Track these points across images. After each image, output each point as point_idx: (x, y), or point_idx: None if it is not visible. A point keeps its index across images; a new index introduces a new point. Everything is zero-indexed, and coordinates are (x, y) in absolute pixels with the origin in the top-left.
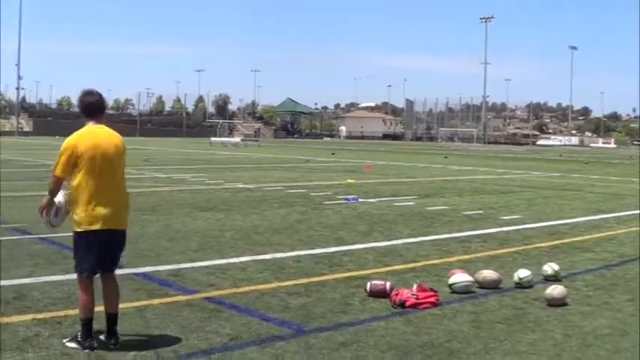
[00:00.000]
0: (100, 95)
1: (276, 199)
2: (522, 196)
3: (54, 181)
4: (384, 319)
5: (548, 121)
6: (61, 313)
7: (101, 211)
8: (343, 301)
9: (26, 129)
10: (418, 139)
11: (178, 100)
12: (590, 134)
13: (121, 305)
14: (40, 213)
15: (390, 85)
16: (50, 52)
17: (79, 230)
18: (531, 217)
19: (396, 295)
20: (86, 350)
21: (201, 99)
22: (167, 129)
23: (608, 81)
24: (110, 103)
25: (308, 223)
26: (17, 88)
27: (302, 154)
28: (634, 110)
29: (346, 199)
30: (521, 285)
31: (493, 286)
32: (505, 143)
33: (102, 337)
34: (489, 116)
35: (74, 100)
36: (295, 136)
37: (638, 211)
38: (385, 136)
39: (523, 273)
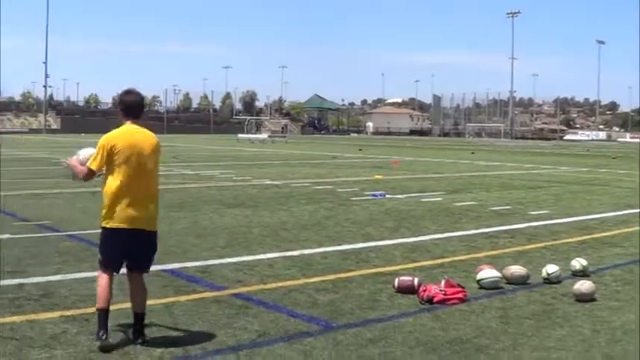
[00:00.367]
0: (138, 95)
1: (303, 195)
2: (550, 191)
3: (87, 172)
4: (412, 315)
5: (575, 116)
6: (89, 310)
7: (130, 211)
8: (371, 297)
9: (54, 126)
10: (445, 134)
11: (205, 96)
12: (617, 129)
13: (148, 302)
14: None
15: (417, 81)
16: (77, 50)
17: (105, 226)
18: (559, 212)
19: (424, 291)
20: (97, 342)
21: (228, 96)
22: (194, 126)
23: (636, 75)
24: None
25: (335, 219)
26: (45, 86)
27: (329, 150)
28: None
29: (373, 195)
30: (549, 280)
31: (521, 282)
32: (532, 138)
33: (130, 335)
34: (516, 111)
35: (101, 98)
36: (322, 132)
37: None
38: (412, 132)
39: (551, 268)
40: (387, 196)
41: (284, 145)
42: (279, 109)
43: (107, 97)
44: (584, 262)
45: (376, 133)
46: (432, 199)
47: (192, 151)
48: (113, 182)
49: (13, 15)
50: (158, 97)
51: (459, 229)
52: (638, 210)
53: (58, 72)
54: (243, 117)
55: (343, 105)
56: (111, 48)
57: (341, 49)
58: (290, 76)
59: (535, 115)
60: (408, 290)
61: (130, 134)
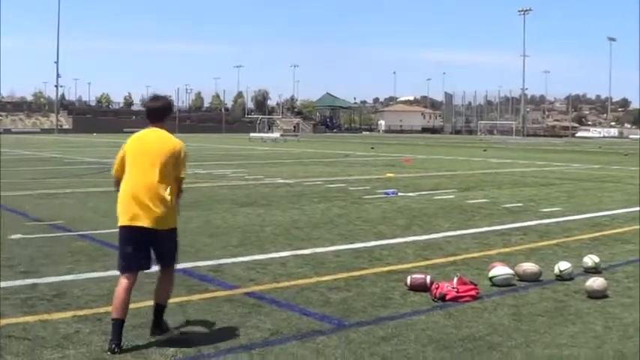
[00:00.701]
0: (159, 101)
1: (315, 193)
2: (562, 189)
3: (114, 181)
4: (424, 312)
5: (587, 112)
6: (102, 310)
7: (136, 210)
8: (383, 295)
9: (66, 126)
10: (457, 132)
11: (217, 96)
12: (629, 126)
13: None
14: None
15: (428, 79)
16: (89, 50)
17: (118, 225)
18: (571, 209)
19: (437, 288)
20: (107, 352)
21: (240, 95)
22: (206, 125)
23: None
24: None
25: (348, 217)
26: (56, 86)
27: (341, 148)
28: None
29: (386, 193)
30: (561, 277)
31: (533, 279)
32: (544, 135)
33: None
34: (528, 109)
35: (113, 98)
36: (334, 130)
37: None
38: (424, 130)
39: (563, 265)
40: (400, 194)
41: (296, 143)
42: (291, 107)
43: (119, 97)
44: (597, 259)
45: (388, 131)
46: (445, 197)
47: (204, 151)
48: (123, 183)
49: (25, 14)
50: (170, 96)
51: (471, 226)
52: None
53: (70, 72)
54: (255, 116)
55: (355, 103)
56: (122, 47)
57: (352, 48)
58: (302, 75)
59: (547, 113)
60: (421, 288)
61: (143, 137)
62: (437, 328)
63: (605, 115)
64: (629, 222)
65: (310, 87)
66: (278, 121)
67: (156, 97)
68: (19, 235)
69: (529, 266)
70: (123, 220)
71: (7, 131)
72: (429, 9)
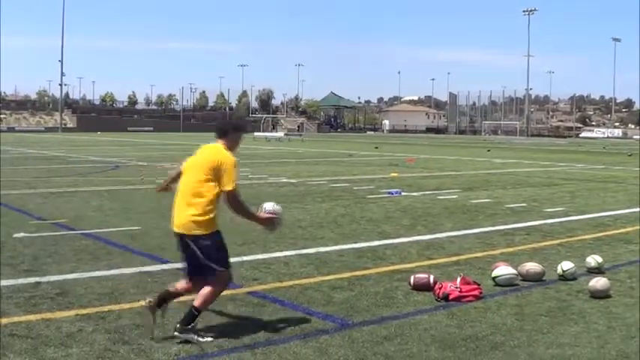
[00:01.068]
0: (228, 121)
1: (319, 193)
2: (565, 189)
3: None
4: (427, 312)
5: (591, 113)
6: (105, 309)
7: (175, 217)
8: (387, 294)
9: (70, 125)
10: (461, 132)
11: (222, 95)
12: (633, 126)
13: None
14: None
15: (433, 79)
16: (93, 49)
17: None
18: (575, 209)
19: (440, 288)
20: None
21: (244, 94)
22: (210, 124)
23: None
24: (153, 98)
25: (351, 217)
26: (61, 84)
27: (345, 148)
28: None
29: (390, 192)
30: (564, 277)
31: (537, 279)
32: (548, 136)
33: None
34: (532, 109)
35: (117, 96)
36: (338, 130)
37: None
38: (428, 130)
39: (566, 265)
40: (403, 193)
41: (300, 143)
42: (295, 107)
43: (123, 96)
44: (600, 259)
45: (392, 130)
46: (448, 197)
47: None
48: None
49: (30, 13)
50: (174, 95)
51: (474, 226)
52: None
53: (74, 70)
54: (259, 115)
55: (359, 103)
56: (127, 46)
57: (357, 47)
58: (306, 74)
59: (551, 113)
60: (424, 287)
61: (198, 151)
62: (440, 328)
63: (609, 115)
64: (632, 222)
65: (315, 86)
66: (282, 121)
67: (225, 116)
68: (22, 234)
69: (532, 266)
70: (174, 226)
71: (11, 129)
72: (434, 9)
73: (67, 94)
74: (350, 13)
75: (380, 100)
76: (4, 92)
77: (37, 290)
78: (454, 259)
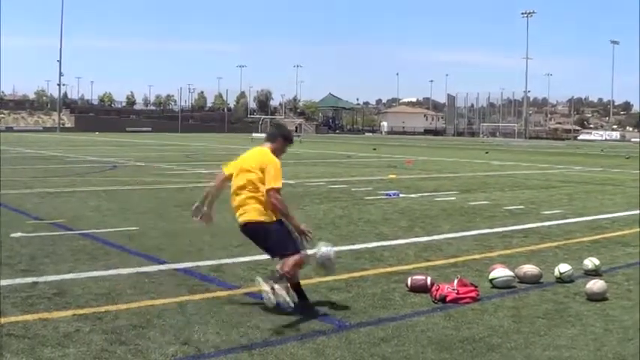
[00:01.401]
0: (278, 129)
1: (317, 194)
2: (563, 191)
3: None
4: (424, 314)
5: (589, 116)
6: (102, 309)
7: (236, 209)
8: (384, 296)
9: (68, 125)
10: (460, 134)
11: (220, 95)
12: (631, 129)
13: (162, 300)
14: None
15: (431, 81)
16: (92, 49)
17: None
18: (572, 211)
19: (437, 290)
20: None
21: (242, 95)
22: (209, 125)
23: None
24: (152, 99)
25: (349, 218)
26: (59, 84)
27: (344, 149)
28: None
29: (388, 194)
30: (562, 280)
31: (534, 281)
32: (546, 138)
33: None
34: (531, 111)
35: (116, 97)
36: (337, 131)
37: None
38: (427, 132)
39: (564, 268)
40: (401, 195)
41: (298, 144)
42: (293, 108)
43: (121, 96)
44: (597, 262)
45: (391, 132)
46: (446, 199)
47: (206, 150)
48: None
49: (28, 13)
50: (172, 95)
51: (472, 228)
52: None
53: (73, 70)
54: (257, 116)
55: (358, 104)
56: (125, 46)
57: (356, 49)
58: (305, 76)
59: (549, 115)
60: (421, 289)
61: (248, 153)
62: (437, 330)
63: (607, 118)
64: (630, 225)
65: (313, 88)
66: (280, 122)
67: (279, 125)
68: (19, 234)
69: (530, 268)
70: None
71: (9, 129)
72: (433, 11)
73: (65, 94)
74: (348, 14)
75: (378, 101)
76: (3, 92)
77: (35, 290)
78: (452, 260)
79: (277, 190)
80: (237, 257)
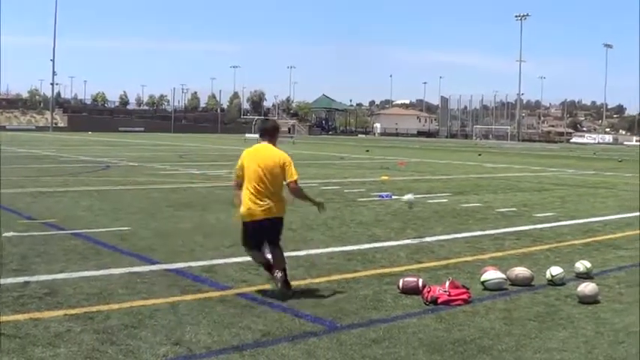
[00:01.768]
0: (270, 123)
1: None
2: (556, 194)
3: (233, 184)
4: (416, 315)
5: (582, 119)
6: (94, 309)
7: (251, 205)
8: (375, 297)
9: (61, 124)
10: (453, 136)
11: (213, 96)
12: (624, 132)
13: (154, 301)
14: None
15: (425, 83)
16: (85, 48)
17: (241, 220)
18: (565, 214)
19: (429, 291)
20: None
21: (236, 95)
22: (202, 125)
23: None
24: (145, 99)
25: (342, 219)
26: (52, 84)
27: (336, 150)
28: None
29: (380, 196)
30: (553, 282)
31: (525, 284)
32: (539, 141)
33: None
34: (524, 114)
35: (109, 96)
36: (330, 132)
37: None
38: (420, 134)
39: (555, 270)
40: (394, 197)
41: (291, 145)
42: (286, 109)
43: (114, 96)
44: (588, 265)
45: (384, 134)
46: (439, 201)
47: (199, 151)
48: (244, 187)
49: (22, 12)
50: (166, 96)
51: (464, 230)
52: None
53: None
54: (250, 117)
55: (351, 106)
56: (119, 46)
57: (349, 50)
58: (298, 77)
59: (542, 118)
60: (413, 291)
61: (255, 151)
62: (428, 331)
63: (600, 121)
64: (621, 228)
65: (307, 89)
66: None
67: (267, 120)
68: (11, 233)
69: (521, 271)
70: (245, 218)
71: (2, 128)
72: (427, 13)
73: (58, 94)
74: (343, 16)
75: (372, 103)
76: None
77: (26, 290)
78: (443, 263)
79: (297, 181)
80: (229, 258)
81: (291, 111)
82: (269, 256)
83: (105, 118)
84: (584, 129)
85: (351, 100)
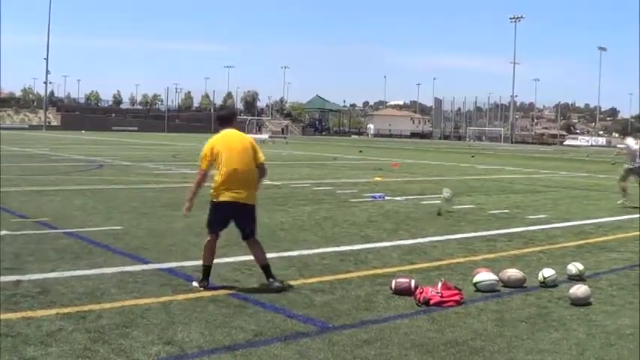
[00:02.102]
0: (229, 110)
1: (302, 196)
2: (548, 196)
3: (200, 173)
4: (408, 316)
5: (575, 121)
6: (86, 308)
7: (230, 192)
8: (368, 298)
9: (54, 123)
10: (446, 137)
11: (207, 96)
12: (617, 135)
13: (146, 300)
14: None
15: (418, 84)
16: (79, 47)
17: (213, 200)
18: (557, 216)
19: (421, 293)
20: (201, 288)
21: (229, 95)
22: (195, 125)
23: (636, 82)
24: (138, 98)
25: (334, 220)
26: (45, 82)
27: (330, 151)
28: None
29: (373, 196)
30: (545, 284)
31: (518, 285)
32: (532, 143)
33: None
34: (517, 116)
35: (102, 95)
36: (323, 133)
37: None
38: (413, 135)
39: (547, 272)
40: (387, 198)
41: (284, 145)
42: (280, 109)
43: (108, 95)
44: (581, 267)
45: (377, 135)
46: (432, 202)
47: (192, 150)
48: (218, 173)
49: (15, 11)
50: (159, 95)
51: (457, 232)
52: (635, 216)
53: (59, 68)
54: (244, 117)
55: (345, 106)
56: (113, 45)
57: (343, 51)
58: (292, 77)
59: (536, 120)
60: (405, 292)
61: (225, 137)
62: (420, 333)
63: (593, 123)
64: (614, 230)
65: (300, 89)
66: (267, 123)
67: (223, 107)
68: (4, 232)
69: (513, 272)
70: (220, 198)
71: None
72: (421, 14)
73: (51, 92)
74: (337, 16)
75: (365, 104)
76: None
77: (18, 288)
78: (436, 264)
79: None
80: (221, 258)
81: (285, 111)
82: (215, 261)
83: (98, 117)
84: (578, 131)
85: (344, 101)
